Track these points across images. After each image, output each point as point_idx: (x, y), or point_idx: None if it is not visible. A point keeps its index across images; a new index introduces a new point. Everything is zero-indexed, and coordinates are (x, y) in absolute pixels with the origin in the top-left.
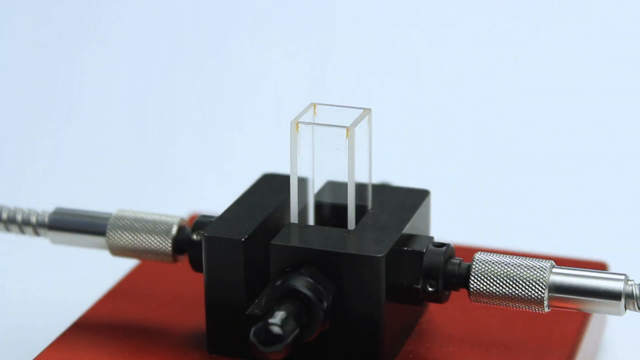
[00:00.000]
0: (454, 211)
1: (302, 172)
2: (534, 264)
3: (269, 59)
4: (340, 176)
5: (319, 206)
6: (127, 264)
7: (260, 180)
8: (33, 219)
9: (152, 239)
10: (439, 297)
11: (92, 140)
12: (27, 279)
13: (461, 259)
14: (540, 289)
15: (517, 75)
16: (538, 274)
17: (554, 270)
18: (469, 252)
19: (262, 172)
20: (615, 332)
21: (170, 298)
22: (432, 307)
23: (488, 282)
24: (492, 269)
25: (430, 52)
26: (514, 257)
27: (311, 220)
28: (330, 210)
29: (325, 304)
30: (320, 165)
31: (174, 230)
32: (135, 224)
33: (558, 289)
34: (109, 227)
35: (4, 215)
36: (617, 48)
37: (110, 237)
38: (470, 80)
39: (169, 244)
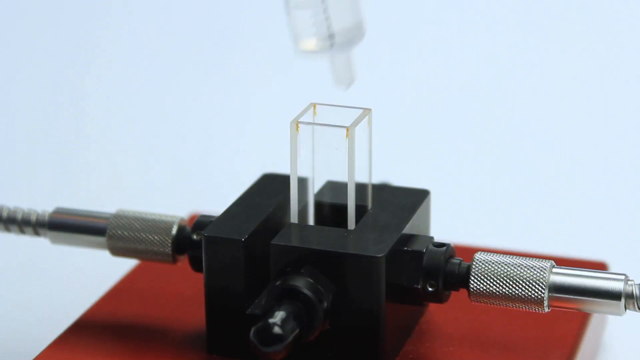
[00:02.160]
0: (454, 211)
1: (302, 172)
2: (534, 264)
3: (269, 59)
4: (340, 176)
5: (319, 206)
6: (127, 264)
7: (260, 180)
8: (33, 219)
9: (152, 239)
10: (439, 297)
11: (92, 140)
12: (27, 279)
13: (461, 259)
14: (540, 289)
15: (517, 75)
16: (538, 274)
17: (554, 270)
18: (469, 252)
19: (262, 172)
20: (615, 332)
21: (170, 298)
22: (432, 307)
23: (488, 282)
24: (492, 269)
25: (430, 51)
26: (514, 257)
27: (311, 220)
28: (330, 210)
29: (325, 304)
30: (320, 165)
31: (174, 230)
32: (135, 224)
33: (558, 289)
34: (109, 227)
35: (4, 215)
36: (616, 48)
37: (110, 237)
38: (470, 80)
39: (169, 244)
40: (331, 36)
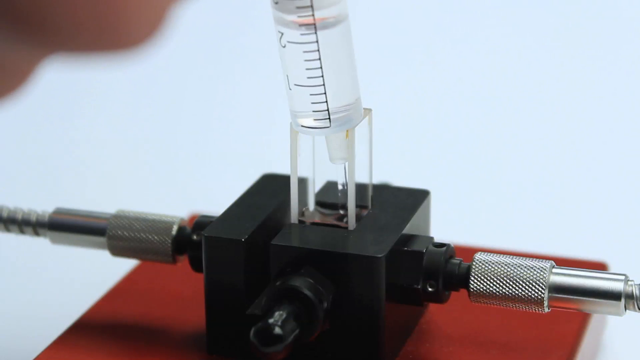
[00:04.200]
0: (454, 211)
1: (302, 172)
2: (534, 264)
3: (270, 59)
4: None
5: (319, 206)
6: (127, 264)
7: (260, 180)
8: (33, 219)
9: (152, 239)
10: (439, 297)
11: (93, 140)
12: (27, 279)
13: (461, 259)
14: (540, 289)
15: (517, 75)
16: (538, 274)
17: (554, 270)
18: (469, 252)
19: (262, 172)
20: (615, 332)
21: (170, 298)
22: (432, 307)
23: (488, 282)
24: (492, 269)
25: (430, 52)
26: (514, 257)
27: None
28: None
29: (325, 304)
30: (320, 165)
31: (174, 230)
32: (135, 224)
33: (558, 289)
34: (109, 227)
35: (4, 215)
36: (616, 48)
37: (110, 237)
38: (470, 81)
39: (169, 244)
40: (329, 114)
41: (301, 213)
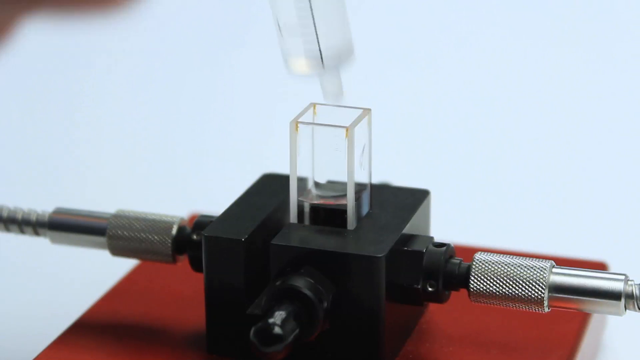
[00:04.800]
0: (454, 211)
1: (302, 172)
2: (534, 264)
3: (269, 58)
4: (340, 176)
5: (318, 206)
6: (127, 264)
7: (260, 180)
8: (33, 219)
9: (152, 238)
10: (439, 297)
11: (92, 139)
12: (27, 279)
13: (461, 259)
14: (540, 289)
15: (517, 75)
16: (538, 274)
17: (554, 270)
18: (469, 252)
19: (262, 172)
20: (615, 332)
21: (170, 298)
22: (432, 307)
23: (488, 282)
24: (492, 269)
25: (430, 52)
26: (514, 257)
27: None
28: (330, 210)
29: (325, 304)
30: (320, 165)
31: (174, 230)
32: (135, 224)
33: (558, 289)
34: (109, 227)
35: (4, 215)
36: (615, 48)
37: (110, 237)
38: (470, 80)
39: (169, 244)
40: (322, 58)
41: (300, 193)
